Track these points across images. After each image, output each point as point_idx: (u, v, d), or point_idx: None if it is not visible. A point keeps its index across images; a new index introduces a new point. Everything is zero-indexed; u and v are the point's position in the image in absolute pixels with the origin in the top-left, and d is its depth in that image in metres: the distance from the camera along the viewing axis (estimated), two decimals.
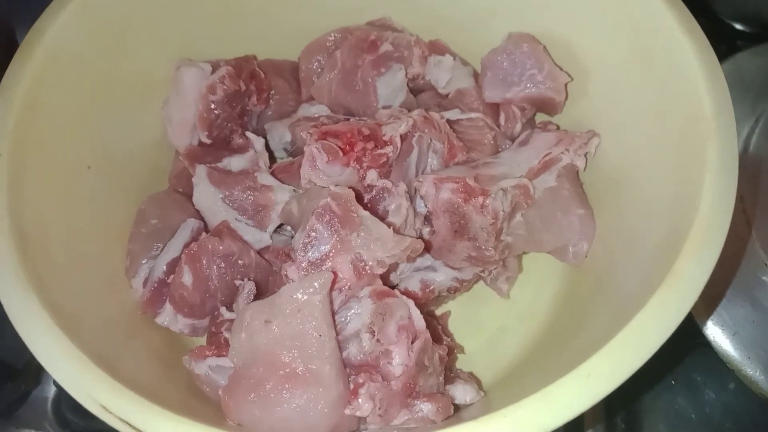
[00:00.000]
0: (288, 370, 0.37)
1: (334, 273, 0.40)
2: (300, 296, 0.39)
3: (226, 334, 0.45)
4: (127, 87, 0.54)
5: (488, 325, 0.55)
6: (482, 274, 0.51)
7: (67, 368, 0.35)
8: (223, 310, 0.47)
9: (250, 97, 0.56)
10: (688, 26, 0.45)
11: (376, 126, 0.50)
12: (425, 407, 0.40)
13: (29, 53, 0.45)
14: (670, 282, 0.36)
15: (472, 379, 0.47)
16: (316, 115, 0.59)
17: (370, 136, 0.49)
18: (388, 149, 0.48)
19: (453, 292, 0.50)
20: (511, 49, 0.55)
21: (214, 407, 0.42)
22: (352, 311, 0.41)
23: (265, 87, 0.57)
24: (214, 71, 0.54)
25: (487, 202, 0.46)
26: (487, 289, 0.55)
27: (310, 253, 0.41)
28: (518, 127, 0.56)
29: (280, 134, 0.59)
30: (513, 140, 0.56)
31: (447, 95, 0.59)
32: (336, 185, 0.45)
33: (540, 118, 0.59)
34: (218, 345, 0.43)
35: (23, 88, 0.44)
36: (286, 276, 0.41)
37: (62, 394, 0.60)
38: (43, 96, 0.46)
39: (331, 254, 0.41)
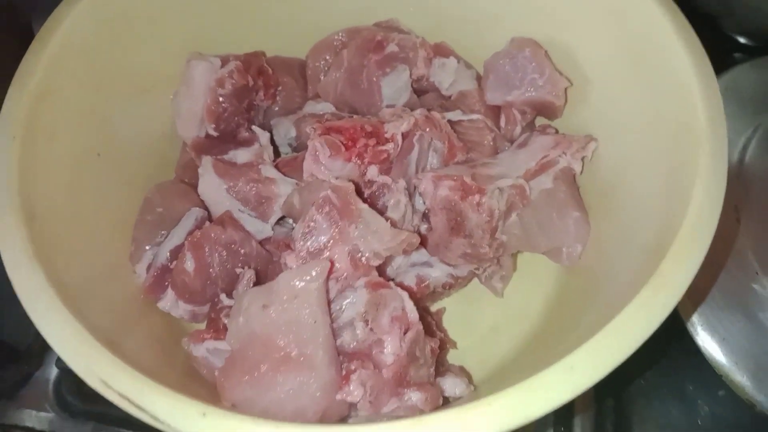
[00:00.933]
0: (282, 354, 0.39)
1: (331, 262, 0.42)
2: (297, 283, 0.40)
3: (225, 320, 0.46)
4: (137, 78, 0.55)
5: (481, 323, 0.56)
6: (477, 272, 0.52)
7: (70, 343, 0.37)
8: (223, 296, 0.48)
9: (257, 92, 0.57)
10: (684, 36, 0.46)
11: (379, 123, 0.51)
12: (414, 396, 0.41)
13: (44, 43, 0.47)
14: (654, 282, 0.37)
15: (463, 373, 0.48)
16: (322, 113, 0.60)
17: (372, 132, 0.50)
18: (389, 146, 0.49)
19: (448, 288, 0.51)
20: (514, 53, 0.56)
21: (210, 389, 0.43)
22: (348, 300, 0.42)
23: (273, 83, 0.58)
24: (223, 65, 0.55)
25: (483, 200, 0.47)
26: (481, 287, 0.56)
27: (308, 243, 0.42)
28: (518, 129, 0.57)
29: (286, 130, 0.60)
30: (512, 142, 0.57)
31: (450, 97, 0.61)
32: (337, 179, 0.47)
33: (540, 122, 0.60)
34: (217, 329, 0.44)
35: (37, 76, 0.45)
36: (285, 264, 0.43)
37: (63, 377, 0.62)
38: (56, 84, 0.47)
39: (329, 244, 0.42)
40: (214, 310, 0.48)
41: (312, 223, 0.43)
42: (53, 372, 0.62)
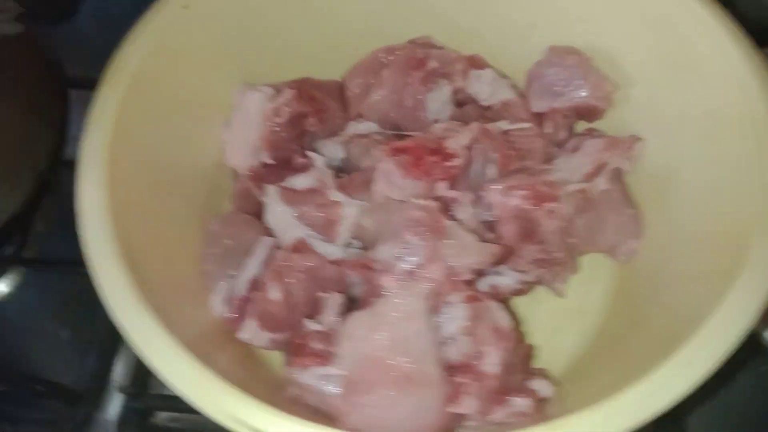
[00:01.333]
0: (399, 373, 0.40)
1: (431, 280, 0.43)
2: (403, 303, 0.41)
3: (315, 345, 0.47)
4: (194, 111, 0.56)
5: (542, 323, 0.57)
6: (544, 276, 0.54)
7: (198, 385, 0.37)
8: (308, 322, 0.49)
9: (308, 118, 0.58)
10: (732, 29, 0.49)
11: (439, 140, 0.53)
12: (521, 402, 0.42)
13: (116, 82, 0.47)
14: (751, 268, 0.39)
15: (546, 374, 0.49)
16: (367, 132, 0.61)
17: (436, 149, 0.52)
18: (456, 161, 0.51)
19: (518, 294, 0.53)
20: (557, 60, 0.58)
21: (309, 414, 0.43)
22: (447, 315, 0.43)
23: (323, 108, 0.59)
24: (276, 94, 0.56)
25: (557, 206, 0.49)
26: (537, 288, 0.57)
27: (405, 263, 0.43)
28: (563, 134, 0.59)
29: (333, 152, 0.61)
30: (559, 147, 0.59)
31: (489, 107, 0.62)
32: (418, 198, 0.48)
33: (580, 124, 0.62)
34: (313, 355, 0.45)
35: (113, 118, 0.46)
36: (382, 286, 0.44)
37: (126, 417, 0.61)
38: (129, 123, 0.47)
39: (425, 263, 0.44)
40: (299, 336, 0.48)
41: (406, 244, 0.44)
42: (114, 412, 0.62)
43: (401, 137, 0.59)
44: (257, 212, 0.57)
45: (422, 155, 0.51)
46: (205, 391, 0.37)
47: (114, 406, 0.61)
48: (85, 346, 0.63)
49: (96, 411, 0.62)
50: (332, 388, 0.42)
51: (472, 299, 0.43)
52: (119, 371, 0.62)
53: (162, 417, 0.61)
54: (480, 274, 0.47)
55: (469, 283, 0.45)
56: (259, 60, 0.60)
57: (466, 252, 0.44)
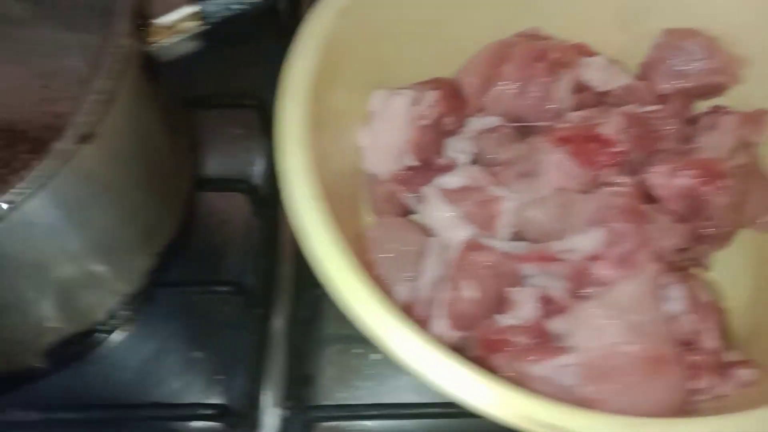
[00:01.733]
0: (642, 358, 0.41)
1: (645, 264, 0.44)
2: (631, 289, 0.42)
3: (516, 339, 0.47)
4: (337, 121, 0.55)
5: None
6: (704, 251, 0.55)
7: (486, 389, 0.37)
8: (499, 317, 0.49)
9: (448, 118, 0.58)
10: None
11: (592, 127, 0.54)
12: (744, 373, 0.44)
13: (296, 95, 0.47)
14: None
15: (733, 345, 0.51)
16: (494, 126, 0.61)
17: (593, 137, 0.53)
18: (620, 146, 0.52)
19: (684, 270, 0.54)
20: (679, 42, 0.60)
21: None
22: (667, 296, 0.44)
23: (459, 106, 0.59)
24: (419, 97, 0.56)
25: (727, 182, 0.51)
26: None
27: (617, 251, 0.44)
28: (687, 113, 0.61)
29: (461, 148, 0.62)
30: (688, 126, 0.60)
31: (607, 93, 0.63)
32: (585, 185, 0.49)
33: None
34: (534, 349, 0.45)
35: (303, 132, 0.46)
36: (596, 275, 0.45)
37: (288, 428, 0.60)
38: (311, 136, 0.47)
39: (635, 248, 0.45)
40: (492, 331, 0.49)
41: (614, 232, 0.45)
42: (272, 428, 0.61)
43: (527, 129, 0.60)
44: (401, 215, 0.58)
45: (582, 143, 0.52)
46: (486, 393, 0.37)
47: (270, 422, 0.60)
48: (228, 365, 0.62)
49: (255, 430, 0.61)
50: (572, 379, 0.43)
51: (684, 278, 0.45)
52: (269, 387, 0.61)
53: (322, 427, 0.60)
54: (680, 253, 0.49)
55: (673, 264, 0.47)
56: (390, 63, 0.60)
57: (667, 233, 0.46)
